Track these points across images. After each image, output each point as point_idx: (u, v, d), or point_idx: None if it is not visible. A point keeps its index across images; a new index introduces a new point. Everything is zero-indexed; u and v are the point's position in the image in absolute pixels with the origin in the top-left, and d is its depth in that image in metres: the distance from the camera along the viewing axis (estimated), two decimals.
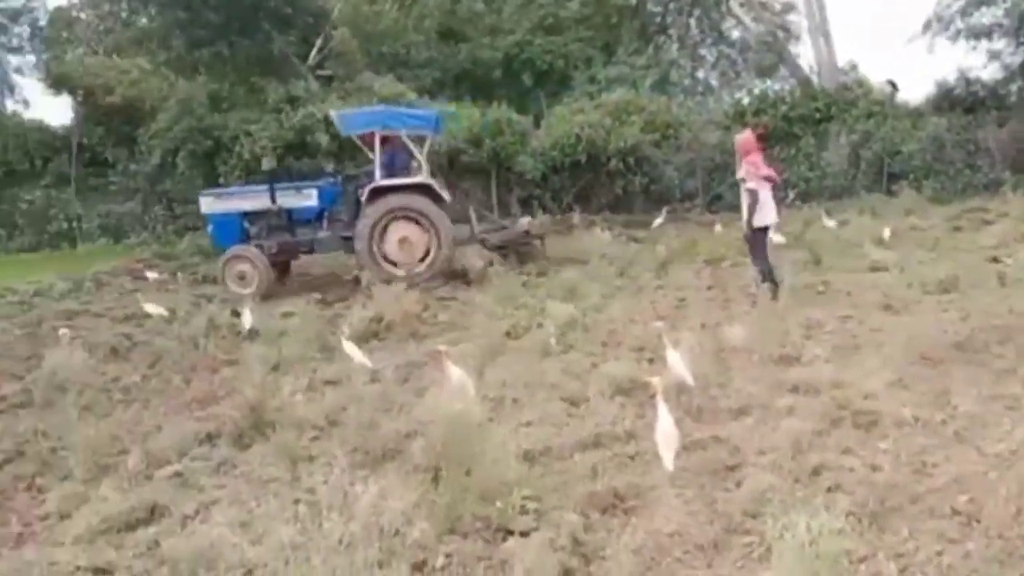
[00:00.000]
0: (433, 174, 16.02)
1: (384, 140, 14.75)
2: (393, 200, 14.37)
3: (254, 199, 15.39)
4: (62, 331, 10.41)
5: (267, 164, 16.38)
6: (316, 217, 15.45)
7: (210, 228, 15.83)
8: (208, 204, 15.64)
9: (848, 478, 5.33)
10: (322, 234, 15.25)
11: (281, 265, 15.76)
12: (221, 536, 4.99)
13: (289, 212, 15.30)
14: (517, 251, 15.60)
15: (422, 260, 14.50)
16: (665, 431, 5.52)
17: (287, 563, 4.43)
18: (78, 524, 5.60)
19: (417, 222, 14.43)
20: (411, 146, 14.81)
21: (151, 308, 12.39)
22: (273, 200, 15.10)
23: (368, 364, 8.81)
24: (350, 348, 8.96)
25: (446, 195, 14.59)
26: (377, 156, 14.67)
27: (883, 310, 9.91)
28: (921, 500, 5.05)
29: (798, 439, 5.90)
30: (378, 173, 14.59)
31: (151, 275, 15.97)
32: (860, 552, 4.38)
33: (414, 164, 15.00)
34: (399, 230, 14.46)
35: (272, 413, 7.29)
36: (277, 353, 9.78)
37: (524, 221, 16.12)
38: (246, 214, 15.34)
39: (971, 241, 13.98)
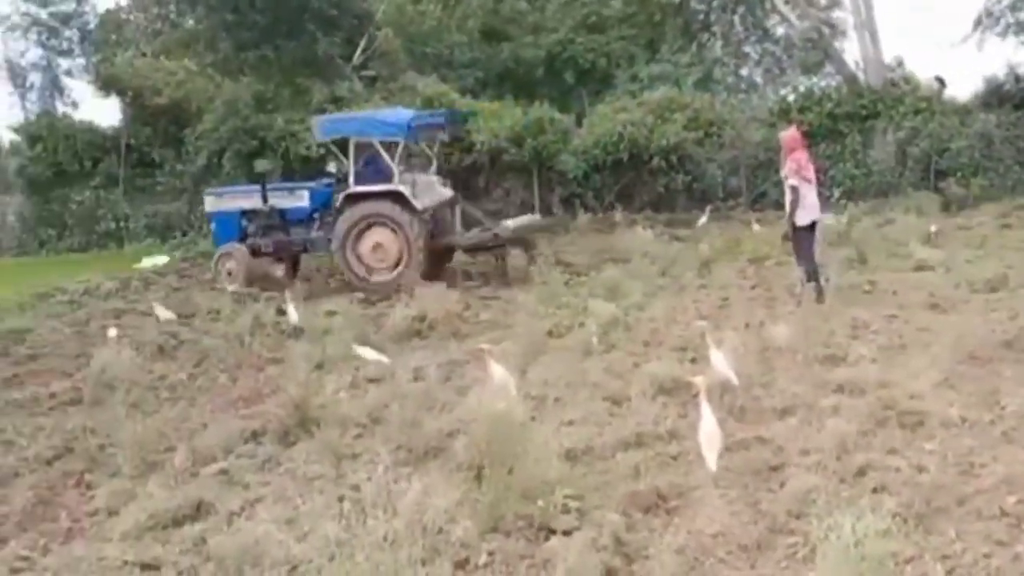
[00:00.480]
0: (441, 172, 16.33)
1: (364, 147, 14.95)
2: (366, 207, 14.52)
3: (248, 199, 15.90)
4: (111, 330, 10.56)
5: (260, 166, 16.58)
6: (308, 217, 15.77)
7: (213, 226, 16.41)
8: (211, 203, 16.30)
9: (894, 479, 5.28)
10: (314, 234, 15.55)
11: (289, 262, 16.34)
12: (266, 533, 5.05)
13: (282, 212, 15.75)
14: (496, 255, 15.32)
15: (395, 266, 14.54)
16: (708, 431, 5.50)
17: (332, 559, 4.47)
18: (126, 520, 5.69)
19: (392, 229, 14.48)
20: (383, 153, 14.69)
21: (161, 312, 12.35)
22: (264, 200, 15.60)
23: (385, 360, 8.89)
24: (364, 351, 9.07)
25: (418, 204, 14.51)
26: (351, 162, 14.83)
27: (930, 309, 9.80)
28: (968, 501, 4.99)
29: (843, 439, 5.85)
30: (352, 180, 14.69)
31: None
32: (906, 553, 4.34)
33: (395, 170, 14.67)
34: (375, 235, 14.57)
35: (316, 411, 7.37)
36: (321, 351, 9.87)
37: (508, 223, 15.48)
38: (244, 213, 15.79)
39: (1020, 239, 13.74)
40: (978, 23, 23.50)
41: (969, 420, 6.28)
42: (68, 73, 37.87)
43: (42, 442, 7.56)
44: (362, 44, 25.08)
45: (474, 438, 5.87)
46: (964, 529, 4.66)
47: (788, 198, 10.59)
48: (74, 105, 34.99)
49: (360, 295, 13.90)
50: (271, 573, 4.72)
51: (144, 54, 28.37)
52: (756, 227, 16.59)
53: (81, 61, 36.65)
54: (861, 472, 5.42)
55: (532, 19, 29.54)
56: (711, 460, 5.45)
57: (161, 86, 24.75)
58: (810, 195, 10.61)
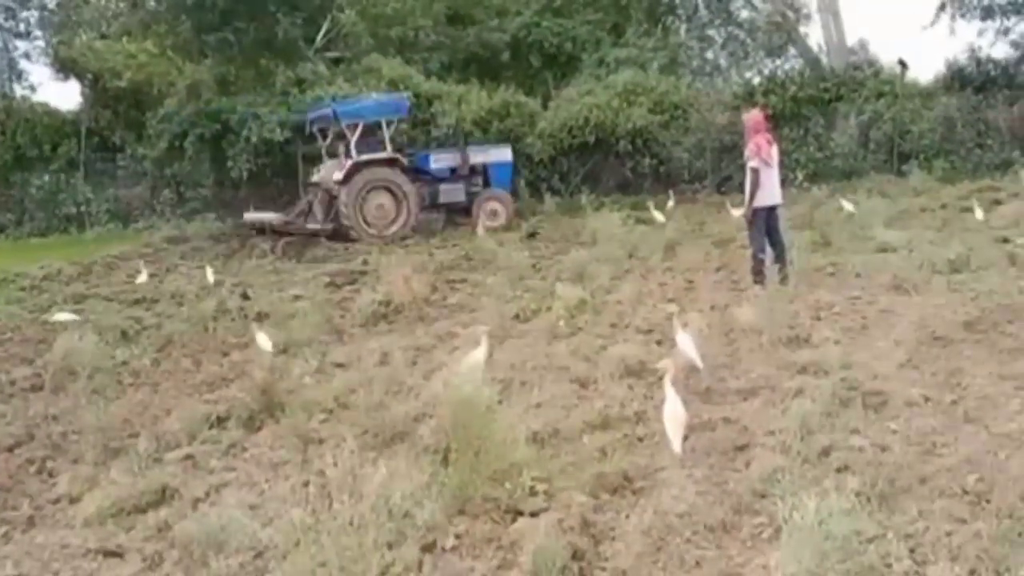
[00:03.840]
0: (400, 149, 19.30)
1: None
2: (369, 173, 17.78)
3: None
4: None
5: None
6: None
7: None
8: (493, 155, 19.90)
9: (857, 459, 5.32)
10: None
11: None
12: (231, 518, 5.01)
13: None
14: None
15: (393, 223, 17.83)
16: (672, 414, 5.53)
17: (297, 545, 4.45)
18: (88, 507, 5.63)
19: (391, 191, 17.88)
20: (385, 130, 18.28)
21: (61, 316, 11.36)
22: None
23: (269, 349, 8.93)
24: (261, 339, 9.05)
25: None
26: (355, 138, 17.77)
27: (893, 291, 9.87)
28: (930, 480, 5.04)
29: (807, 420, 5.89)
30: (354, 152, 17.70)
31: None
32: (869, 532, 4.37)
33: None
34: (377, 198, 17.84)
35: (282, 396, 7.33)
36: (286, 336, 9.80)
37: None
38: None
39: (981, 221, 13.89)
40: (942, 7, 23.71)
41: (931, 400, 6.35)
42: (26, 56, 37.14)
43: (3, 429, 7.45)
44: (325, 26, 24.87)
45: (441, 421, 5.86)
46: (926, 508, 4.71)
47: (748, 180, 10.63)
48: (32, 89, 34.33)
49: (326, 278, 13.83)
50: (236, 559, 4.69)
51: (104, 36, 27.91)
52: (735, 212, 16.20)
53: (40, 44, 35.98)
54: (825, 452, 5.47)
55: (497, 2, 29.39)
56: (676, 443, 5.47)
57: (121, 69, 24.36)
58: (770, 178, 10.65)
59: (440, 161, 19.20)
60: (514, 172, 20.20)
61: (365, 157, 17.77)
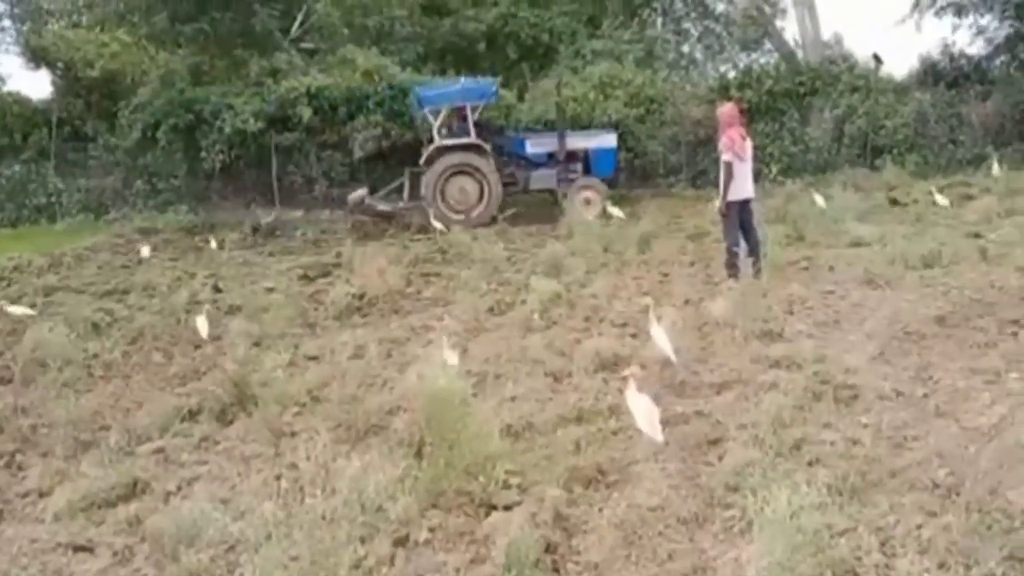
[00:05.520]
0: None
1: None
2: (451, 157, 17.70)
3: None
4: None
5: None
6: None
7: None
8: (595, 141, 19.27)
9: (829, 452, 5.36)
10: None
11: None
12: (203, 512, 4.98)
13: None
14: None
15: (475, 206, 17.73)
16: (644, 411, 5.58)
17: (269, 538, 4.43)
18: (58, 501, 5.59)
19: (473, 176, 17.75)
20: (469, 115, 17.96)
21: (14, 310, 11.19)
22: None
23: (205, 337, 9.11)
24: (200, 322, 9.22)
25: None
26: (437, 123, 17.95)
27: (865, 285, 9.93)
28: (901, 474, 5.09)
29: (780, 413, 5.93)
30: (436, 136, 17.89)
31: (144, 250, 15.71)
32: (840, 526, 4.41)
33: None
34: (459, 182, 17.79)
35: (255, 389, 7.29)
36: (259, 329, 9.75)
37: None
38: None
39: (954, 216, 14.01)
40: (917, 3, 23.85)
41: (903, 394, 6.41)
42: None
43: None
44: (300, 16, 24.69)
45: (415, 415, 5.85)
46: (897, 501, 4.75)
47: (722, 174, 10.67)
48: (1, 79, 33.93)
49: (299, 270, 13.76)
50: (207, 553, 4.66)
51: (76, 25, 27.60)
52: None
53: (11, 33, 35.54)
54: (797, 446, 5.50)
55: None
56: (657, 435, 5.50)
57: (93, 58, 24.06)
58: (743, 172, 10.68)
59: (537, 146, 18.73)
60: (616, 159, 19.45)
61: (449, 142, 17.78)
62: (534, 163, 18.68)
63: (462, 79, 20.30)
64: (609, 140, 19.09)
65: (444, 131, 18.07)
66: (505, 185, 18.08)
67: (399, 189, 18.95)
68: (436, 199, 17.61)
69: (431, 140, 18.36)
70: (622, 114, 21.58)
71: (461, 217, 17.38)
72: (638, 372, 6.02)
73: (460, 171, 17.73)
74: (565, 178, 18.19)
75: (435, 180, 17.62)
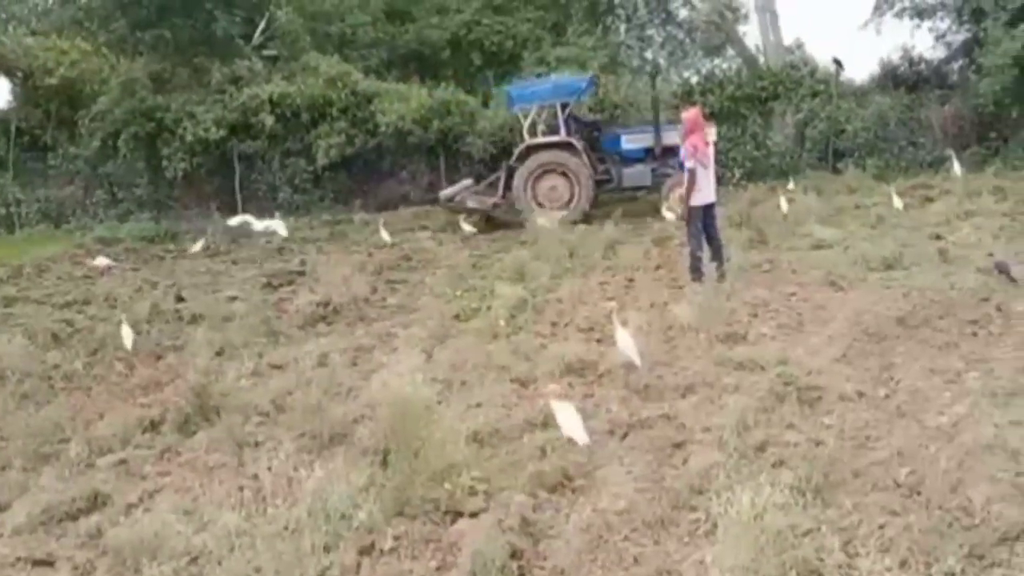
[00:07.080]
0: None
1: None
2: (542, 156, 17.57)
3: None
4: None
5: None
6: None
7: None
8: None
9: (792, 453, 5.40)
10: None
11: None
12: (165, 524, 4.93)
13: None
14: None
15: (565, 205, 17.48)
16: (566, 419, 5.81)
17: (232, 550, 4.39)
18: (18, 514, 5.52)
19: (563, 174, 17.54)
20: (559, 112, 17.75)
21: None
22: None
23: (128, 347, 9.09)
24: (125, 331, 9.19)
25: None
26: (527, 122, 17.94)
27: (828, 287, 10.01)
28: (864, 474, 5.13)
29: (743, 416, 5.96)
30: (526, 135, 17.89)
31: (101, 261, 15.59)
32: (804, 526, 4.43)
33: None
34: (549, 180, 17.62)
35: (217, 399, 7.23)
36: (222, 338, 9.66)
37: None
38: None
39: (914, 218, 14.16)
40: (878, 7, 24.12)
41: (865, 395, 6.46)
42: None
43: None
44: (262, 24, 24.56)
45: (380, 423, 5.82)
46: (860, 501, 4.79)
47: (685, 180, 10.73)
48: None
49: (263, 279, 13.65)
50: (170, 565, 4.61)
51: (34, 33, 27.27)
52: (668, 215, 16.19)
53: None
54: (761, 447, 5.54)
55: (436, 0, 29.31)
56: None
57: (53, 66, 23.78)
58: (706, 178, 10.76)
59: (633, 141, 18.23)
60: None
61: (539, 140, 17.74)
62: (628, 159, 18.23)
63: (552, 76, 20.70)
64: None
65: (540, 128, 18.08)
66: (599, 183, 17.88)
67: (494, 184, 18.82)
68: (527, 197, 17.54)
69: (545, 134, 18.28)
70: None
71: (562, 214, 17.16)
72: (558, 389, 6.28)
73: (550, 169, 17.63)
74: (661, 174, 17.72)
75: (525, 179, 17.56)
